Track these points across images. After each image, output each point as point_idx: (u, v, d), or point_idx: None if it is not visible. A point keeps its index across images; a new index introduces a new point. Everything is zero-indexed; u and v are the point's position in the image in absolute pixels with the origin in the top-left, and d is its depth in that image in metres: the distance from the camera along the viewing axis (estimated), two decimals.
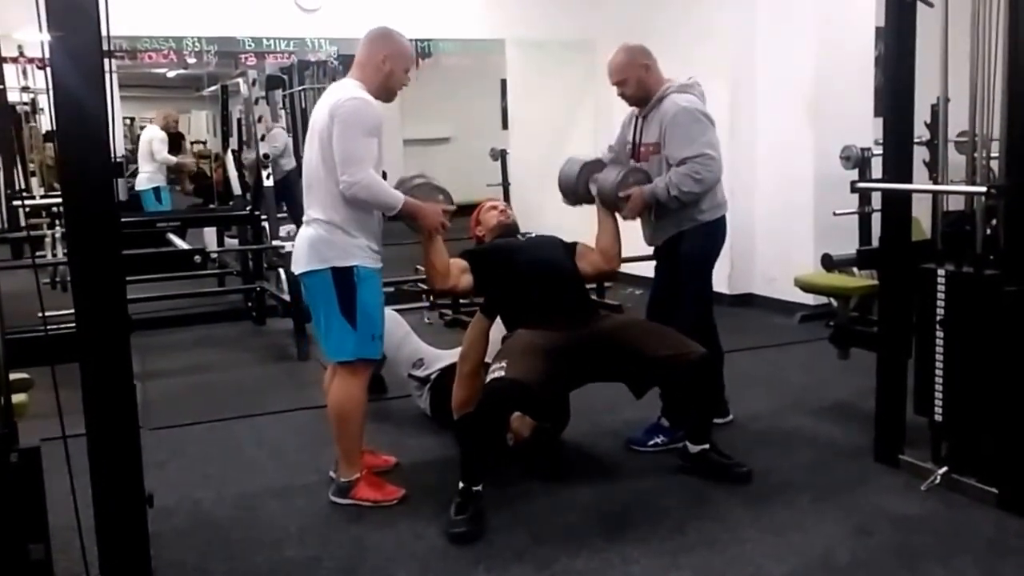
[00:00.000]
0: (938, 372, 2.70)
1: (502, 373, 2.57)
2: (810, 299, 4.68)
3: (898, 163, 2.87)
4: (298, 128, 7.69)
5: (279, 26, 5.94)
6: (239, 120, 7.02)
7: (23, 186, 6.21)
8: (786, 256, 5.17)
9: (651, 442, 3.15)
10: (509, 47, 7.43)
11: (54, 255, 4.81)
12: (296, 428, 3.54)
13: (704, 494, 2.78)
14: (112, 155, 1.93)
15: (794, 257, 4.95)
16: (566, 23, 6.42)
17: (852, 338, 3.41)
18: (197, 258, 5.13)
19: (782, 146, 5.37)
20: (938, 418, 2.73)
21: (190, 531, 2.64)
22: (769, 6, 5.41)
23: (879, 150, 3.02)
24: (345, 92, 2.63)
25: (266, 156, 5.34)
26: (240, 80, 6.37)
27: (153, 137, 7.65)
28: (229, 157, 6.86)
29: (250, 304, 5.50)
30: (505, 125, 8.39)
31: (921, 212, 3.08)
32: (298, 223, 2.90)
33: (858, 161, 4.52)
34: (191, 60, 7.13)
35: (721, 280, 4.89)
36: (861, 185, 3.63)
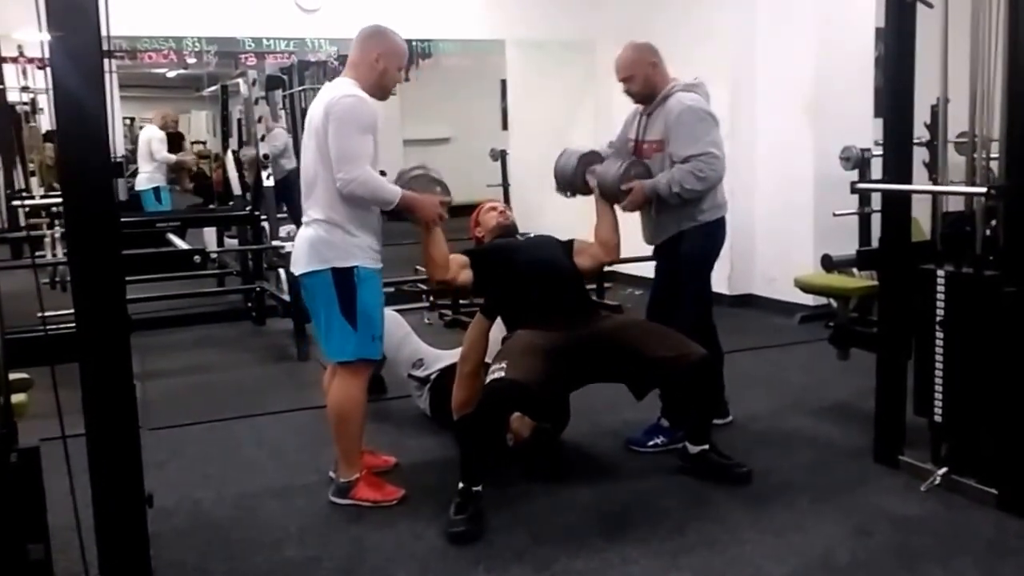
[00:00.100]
0: (938, 373, 2.70)
1: (502, 374, 2.57)
2: (810, 300, 4.68)
3: (898, 164, 2.87)
4: (298, 128, 7.68)
5: (279, 26, 5.94)
6: (239, 120, 7.02)
7: (23, 186, 6.20)
8: (786, 257, 5.17)
9: (651, 443, 3.15)
10: (509, 48, 7.44)
11: (54, 255, 4.80)
12: (296, 428, 3.54)
13: (704, 495, 2.78)
14: (112, 155, 1.93)
15: (794, 258, 4.95)
16: (566, 24, 6.42)
17: (852, 339, 3.42)
18: (197, 258, 5.12)
19: (782, 146, 5.37)
20: (938, 419, 2.73)
21: (190, 531, 2.64)
22: (769, 7, 5.42)
23: (879, 151, 3.02)
24: (340, 90, 2.63)
25: (266, 156, 5.34)
26: (240, 80, 6.37)
27: (152, 137, 7.64)
28: (229, 157, 6.85)
29: (250, 304, 5.49)
30: (505, 126, 8.40)
31: (921, 213, 3.08)
32: (298, 223, 2.90)
33: (858, 162, 4.52)
34: (191, 60, 7.14)
35: (721, 280, 4.89)
36: (861, 186, 3.63)
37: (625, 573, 2.32)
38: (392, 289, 5.20)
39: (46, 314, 1.88)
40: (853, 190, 3.43)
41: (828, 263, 3.64)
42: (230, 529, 2.65)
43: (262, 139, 5.50)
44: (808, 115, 5.19)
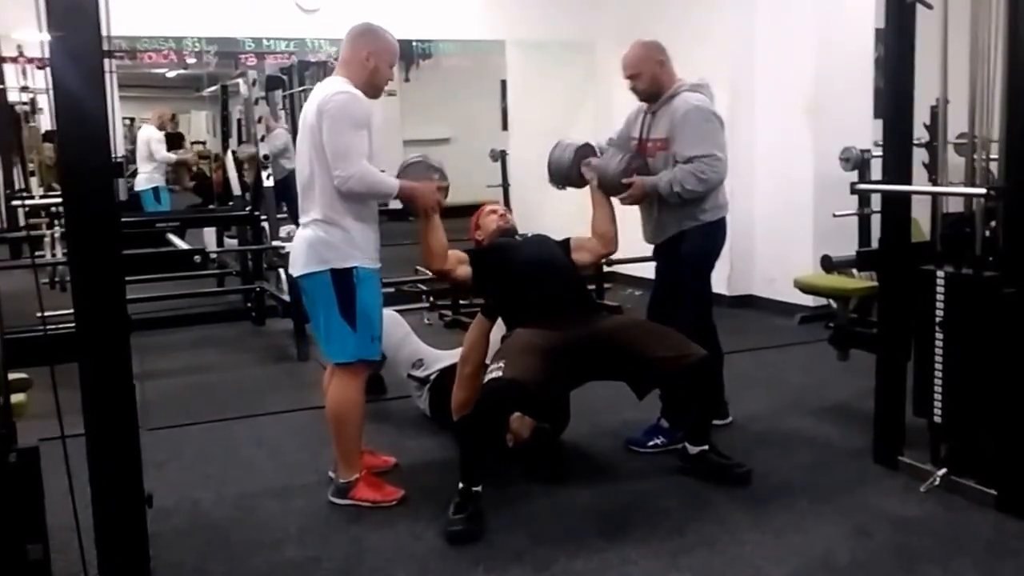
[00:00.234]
0: (937, 374, 2.70)
1: (500, 373, 2.57)
2: (810, 300, 4.67)
3: (898, 165, 2.87)
4: (298, 128, 7.68)
5: (279, 27, 5.94)
6: (239, 120, 7.02)
7: (23, 186, 6.20)
8: (786, 257, 5.17)
9: (650, 443, 3.15)
10: (509, 48, 7.44)
11: (53, 255, 4.80)
12: (295, 428, 3.54)
13: (703, 495, 2.78)
14: (112, 155, 1.93)
15: (794, 258, 4.95)
16: (566, 24, 6.42)
17: (851, 339, 3.41)
18: (197, 258, 5.12)
19: (782, 147, 5.37)
20: (937, 420, 2.73)
21: (189, 531, 2.63)
22: (769, 8, 5.42)
23: (879, 152, 3.02)
24: (332, 88, 2.63)
25: (266, 156, 5.34)
26: (240, 80, 6.37)
27: (151, 137, 7.63)
28: (229, 157, 6.86)
29: (249, 304, 5.49)
30: (505, 126, 8.40)
31: (920, 214, 3.08)
32: (298, 223, 2.90)
33: (858, 162, 4.51)
34: (191, 60, 7.13)
35: (721, 281, 4.89)
36: (861, 186, 3.63)
37: (624, 573, 2.32)
38: (392, 289, 5.21)
39: (45, 314, 1.88)
40: (853, 191, 3.43)
41: (828, 264, 3.64)
42: (229, 529, 2.65)
43: (262, 139, 5.50)
44: (808, 116, 5.19)
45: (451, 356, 3.36)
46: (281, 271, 5.05)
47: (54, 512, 1.91)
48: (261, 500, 2.85)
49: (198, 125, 11.50)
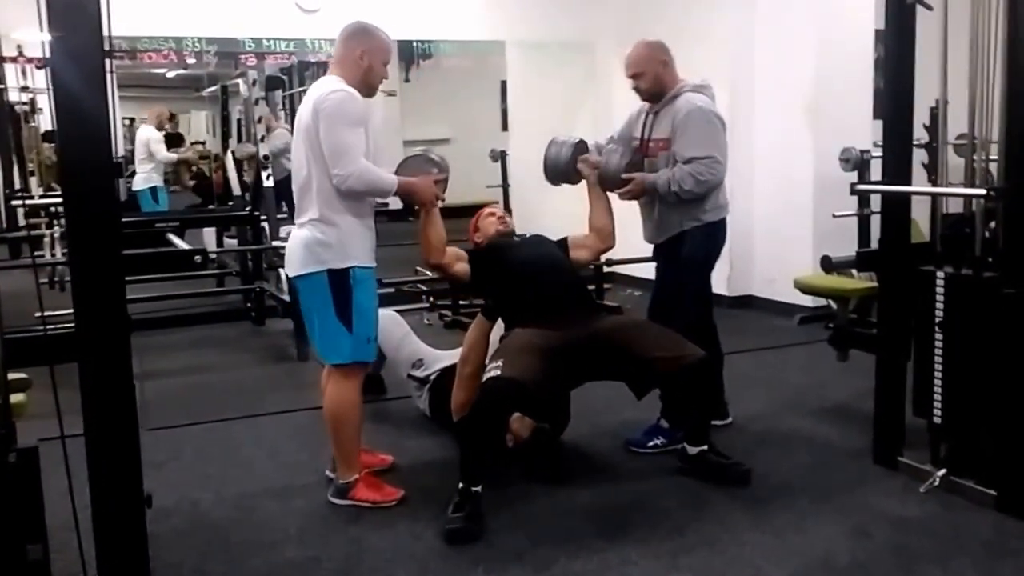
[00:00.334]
0: (937, 374, 2.70)
1: (498, 372, 2.57)
2: (809, 301, 4.67)
3: (897, 165, 2.87)
4: None
5: (279, 27, 5.93)
6: (239, 120, 7.02)
7: (22, 186, 6.20)
8: (785, 258, 5.17)
9: (650, 443, 3.15)
10: (509, 48, 7.43)
11: (52, 255, 4.80)
12: (295, 429, 3.54)
13: (703, 495, 2.78)
14: (113, 155, 1.93)
15: (793, 259, 4.95)
16: (566, 25, 6.42)
17: (851, 340, 3.42)
18: (198, 258, 5.12)
19: (781, 148, 5.37)
20: (937, 420, 2.73)
21: (189, 532, 2.63)
22: (769, 8, 5.42)
23: (878, 152, 3.02)
24: (326, 87, 2.63)
25: (266, 157, 5.34)
26: (240, 80, 6.37)
27: (150, 138, 7.62)
28: (229, 157, 6.86)
29: (249, 304, 5.49)
30: (505, 126, 8.40)
31: (920, 214, 3.08)
32: None
33: (857, 163, 4.51)
34: (191, 60, 7.13)
35: (720, 282, 4.88)
36: (860, 187, 3.62)
37: (624, 574, 2.32)
38: (392, 289, 5.21)
39: (45, 314, 1.88)
40: (852, 191, 3.42)
41: (827, 264, 3.64)
42: (229, 530, 2.65)
43: (262, 139, 5.50)
44: (807, 116, 5.19)
45: (451, 356, 3.36)
46: (281, 271, 5.05)
47: (53, 512, 1.91)
48: (261, 500, 2.85)
49: (198, 125, 11.50)
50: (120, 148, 7.01)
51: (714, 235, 3.18)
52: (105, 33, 1.87)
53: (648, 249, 3.37)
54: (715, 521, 2.61)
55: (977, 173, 2.70)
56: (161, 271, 5.50)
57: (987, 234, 2.66)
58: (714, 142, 3.05)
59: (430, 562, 2.41)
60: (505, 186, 7.76)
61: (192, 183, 9.24)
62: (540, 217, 5.48)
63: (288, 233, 5.12)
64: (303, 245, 2.66)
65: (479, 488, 2.58)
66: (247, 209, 5.73)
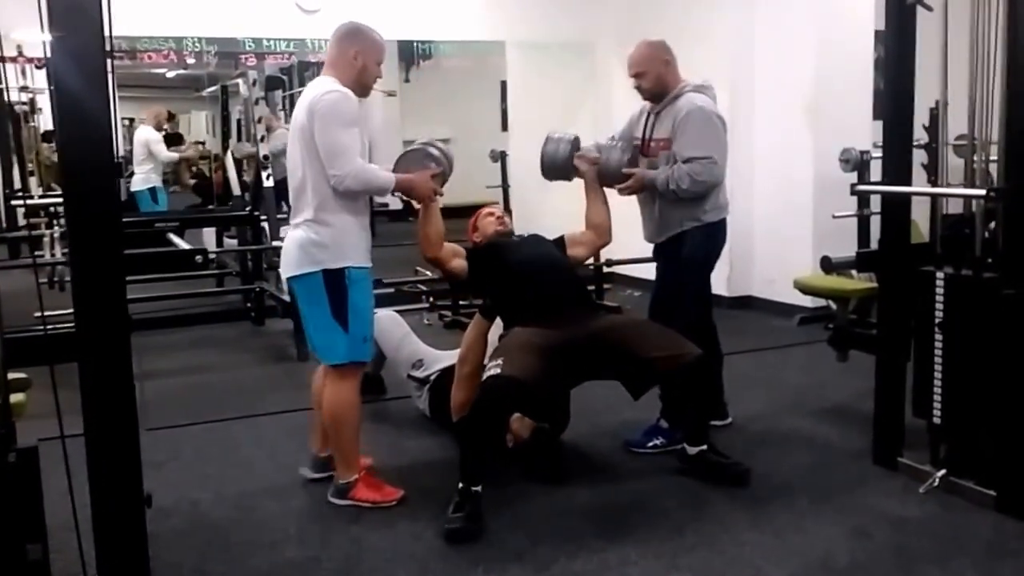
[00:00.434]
0: (937, 375, 2.71)
1: (498, 370, 2.58)
2: (809, 301, 4.67)
3: (897, 166, 2.87)
4: None
5: (279, 27, 5.93)
6: (239, 120, 7.02)
7: (22, 186, 6.20)
8: (785, 258, 5.17)
9: (650, 444, 3.15)
10: (509, 49, 7.44)
11: (52, 255, 4.80)
12: (295, 428, 3.53)
13: (703, 496, 2.78)
14: (114, 155, 1.93)
15: (793, 259, 4.95)
16: (566, 25, 6.42)
17: (851, 340, 3.42)
18: (199, 258, 5.11)
19: (781, 148, 5.37)
20: (937, 420, 2.73)
21: (188, 532, 2.63)
22: (768, 8, 5.42)
23: (878, 153, 3.02)
24: (321, 88, 2.63)
25: (266, 157, 5.34)
26: (240, 80, 6.37)
27: (149, 138, 7.62)
28: (229, 157, 6.86)
29: (249, 304, 5.49)
30: (505, 127, 8.40)
31: (920, 215, 3.09)
32: None
33: (857, 164, 4.51)
34: (191, 60, 7.15)
35: (720, 282, 4.89)
36: (860, 188, 3.63)
37: (624, 574, 2.32)
38: (392, 289, 5.21)
39: (45, 314, 1.88)
40: (852, 192, 3.43)
41: (827, 265, 3.64)
42: (229, 529, 2.65)
43: (262, 139, 5.50)
44: (807, 116, 5.19)
45: (451, 356, 3.36)
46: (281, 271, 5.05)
47: (53, 512, 1.91)
48: (260, 500, 2.85)
49: (198, 125, 11.52)
50: (120, 148, 7.02)
51: (714, 235, 3.19)
52: (106, 33, 1.87)
53: (648, 249, 3.37)
54: (715, 521, 2.61)
55: (977, 174, 2.70)
56: (161, 271, 5.50)
57: (987, 235, 2.66)
58: (713, 143, 3.05)
59: (430, 562, 2.41)
60: (505, 186, 7.76)
61: (192, 183, 9.23)
62: (540, 217, 5.48)
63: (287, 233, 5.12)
64: (298, 246, 2.66)
65: (479, 488, 2.58)
66: (247, 209, 5.73)
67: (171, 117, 8.81)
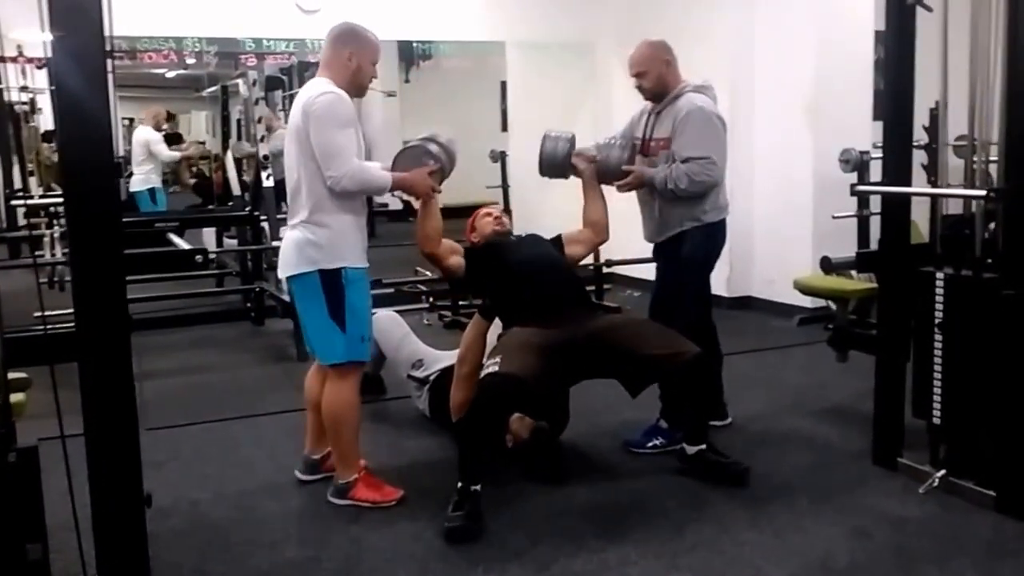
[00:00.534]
0: (936, 375, 2.71)
1: (496, 368, 2.58)
2: (809, 302, 4.68)
3: (897, 166, 2.88)
4: None
5: (279, 27, 5.94)
6: (239, 121, 7.02)
7: (22, 186, 6.20)
8: (785, 259, 5.17)
9: (649, 444, 3.15)
10: (509, 49, 7.44)
11: (52, 255, 4.80)
12: (295, 428, 3.52)
13: (703, 495, 2.78)
14: (115, 155, 1.93)
15: (793, 260, 4.96)
16: (566, 25, 6.42)
17: (851, 341, 3.42)
18: (199, 258, 5.11)
19: (781, 148, 5.38)
20: (936, 421, 2.73)
21: (188, 531, 2.64)
22: (768, 9, 5.42)
23: (878, 153, 3.03)
24: (316, 89, 2.63)
25: (266, 157, 5.34)
26: (240, 81, 6.37)
27: (149, 139, 7.61)
28: (229, 157, 6.86)
29: (249, 304, 5.49)
30: (505, 127, 8.40)
31: (920, 215, 3.09)
32: None
33: (857, 164, 4.52)
34: (191, 60, 7.14)
35: (720, 282, 4.89)
36: (860, 188, 3.64)
37: (624, 574, 2.33)
38: (392, 289, 5.21)
39: (45, 314, 1.88)
40: (852, 192, 3.44)
41: (827, 265, 3.64)
42: (228, 529, 2.65)
43: (262, 139, 5.50)
44: (807, 117, 5.19)
45: (451, 356, 3.36)
46: None
47: (53, 512, 1.91)
48: (260, 500, 2.85)
49: (198, 125, 11.51)
50: (120, 148, 7.02)
51: (714, 236, 3.19)
52: (106, 33, 1.87)
53: (648, 250, 3.38)
54: (714, 521, 2.61)
55: (977, 174, 2.70)
56: (161, 271, 5.50)
57: (987, 235, 2.66)
58: (712, 143, 3.06)
59: (430, 562, 2.41)
60: (505, 186, 7.76)
61: (192, 183, 9.23)
62: (540, 217, 5.48)
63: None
64: (295, 246, 2.67)
65: (478, 487, 2.58)
66: (247, 209, 5.73)
67: (171, 117, 8.80)
